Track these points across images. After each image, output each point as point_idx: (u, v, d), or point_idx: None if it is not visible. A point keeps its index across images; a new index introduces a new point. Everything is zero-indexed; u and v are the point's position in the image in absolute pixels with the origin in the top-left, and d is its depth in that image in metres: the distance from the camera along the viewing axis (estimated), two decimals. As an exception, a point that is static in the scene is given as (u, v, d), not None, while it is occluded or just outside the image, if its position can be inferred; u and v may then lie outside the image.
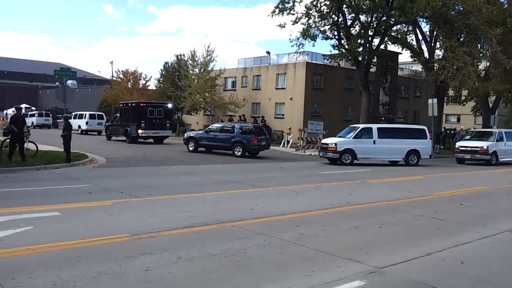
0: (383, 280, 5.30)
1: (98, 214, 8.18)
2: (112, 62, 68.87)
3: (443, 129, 41.35)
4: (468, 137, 27.50)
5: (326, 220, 8.34)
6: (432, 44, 36.21)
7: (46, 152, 17.75)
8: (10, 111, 38.00)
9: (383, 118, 42.38)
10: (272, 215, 8.62)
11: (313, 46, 49.38)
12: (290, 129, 33.13)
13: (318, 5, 31.11)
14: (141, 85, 53.85)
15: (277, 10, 31.79)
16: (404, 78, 48.73)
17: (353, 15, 32.38)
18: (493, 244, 7.20)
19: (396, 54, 43.62)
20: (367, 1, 31.49)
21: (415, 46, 37.10)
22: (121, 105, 32.23)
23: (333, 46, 33.34)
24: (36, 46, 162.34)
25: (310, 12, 31.45)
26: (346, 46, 31.66)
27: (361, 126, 22.83)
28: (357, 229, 7.85)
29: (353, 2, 31.62)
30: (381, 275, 5.43)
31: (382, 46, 34.53)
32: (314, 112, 39.10)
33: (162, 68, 50.14)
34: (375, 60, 36.34)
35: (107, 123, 35.60)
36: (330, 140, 22.40)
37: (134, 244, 6.27)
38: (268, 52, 45.09)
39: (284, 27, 32.34)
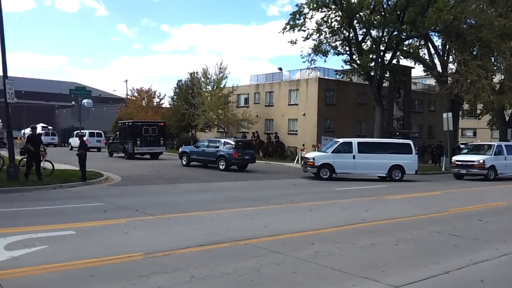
0: (400, 300, 5.19)
1: (113, 233, 8.20)
2: (126, 81, 70.14)
3: (458, 144, 40.83)
4: (465, 150, 26.13)
5: (341, 238, 8.23)
6: (445, 58, 36.01)
7: (62, 171, 17.97)
8: (27, 131, 38.88)
9: (397, 133, 42.06)
10: (286, 232, 8.54)
11: (325, 61, 49.55)
12: (303, 145, 33.04)
13: (329, 21, 31.29)
14: (155, 103, 54.40)
15: (288, 27, 32.01)
16: (418, 93, 48.43)
17: (364, 30, 32.47)
18: (513, 261, 7.02)
19: (409, 68, 43.47)
20: (378, 16, 31.60)
21: (427, 60, 36.95)
22: (119, 124, 34.30)
23: (345, 61, 33.40)
24: (53, 66, 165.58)
25: (321, 28, 31.61)
26: (358, 61, 31.67)
27: (341, 140, 22.42)
28: (373, 246, 7.72)
29: (364, 18, 31.74)
30: (398, 294, 5.32)
31: (394, 61, 34.44)
32: (327, 128, 39.00)
33: (176, 86, 50.63)
34: (387, 75, 36.25)
35: (109, 141, 37.59)
36: (310, 155, 22.55)
37: (147, 263, 6.26)
38: (280, 69, 45.35)
39: (295, 43, 32.58)
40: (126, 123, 32.68)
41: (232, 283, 5.54)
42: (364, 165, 21.07)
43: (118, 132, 33.85)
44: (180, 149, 27.91)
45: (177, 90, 49.86)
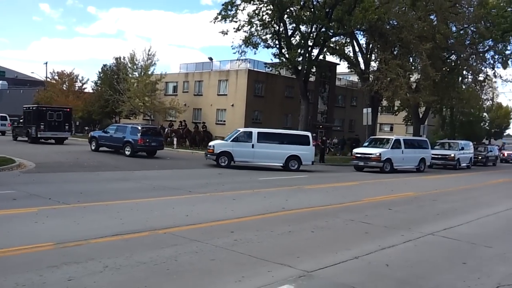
0: (312, 284, 5.42)
1: (21, 222, 7.71)
2: (46, 63, 65.79)
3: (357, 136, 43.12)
4: (366, 143, 27.16)
5: (261, 226, 8.40)
6: (368, 56, 37.77)
7: (-33, 156, 16.55)
8: None
9: (321, 126, 43.60)
10: (207, 221, 8.55)
11: (255, 54, 50.36)
12: (231, 135, 33.10)
13: (260, 14, 31.54)
14: (77, 88, 51.79)
15: (219, 17, 31.83)
16: (342, 88, 50.47)
17: (294, 25, 33.15)
18: (416, 247, 7.59)
19: (334, 64, 45.14)
20: (308, 13, 32.39)
21: (352, 58, 38.54)
22: (24, 108, 33.68)
23: (274, 54, 33.91)
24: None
25: (252, 20, 31.79)
26: (287, 55, 32.29)
27: (242, 129, 23.36)
28: (290, 234, 7.97)
29: (294, 13, 32.39)
30: (310, 279, 5.54)
31: (321, 57, 35.53)
32: (255, 119, 39.48)
33: (100, 70, 48.57)
34: (314, 70, 37.34)
35: (14, 125, 37.07)
36: (212, 143, 23.30)
37: (58, 253, 5.97)
38: (211, 58, 45.04)
39: (226, 34, 32.44)
40: (31, 108, 32.43)
41: (147, 272, 5.46)
42: (262, 154, 21.60)
43: (23, 116, 33.35)
44: (90, 134, 28.48)
45: (101, 75, 47.87)
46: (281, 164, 22.00)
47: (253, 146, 21.58)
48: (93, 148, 26.01)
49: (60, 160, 19.84)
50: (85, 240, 6.64)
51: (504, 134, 69.20)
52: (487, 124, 59.06)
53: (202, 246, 6.74)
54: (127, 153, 24.03)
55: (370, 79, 35.04)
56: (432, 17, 34.27)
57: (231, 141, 21.96)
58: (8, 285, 4.73)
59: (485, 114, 57.19)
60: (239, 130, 23.06)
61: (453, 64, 38.75)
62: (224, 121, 40.26)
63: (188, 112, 42.24)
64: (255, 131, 22.44)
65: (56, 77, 51.65)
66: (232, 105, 39.92)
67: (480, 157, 37.28)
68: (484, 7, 33.70)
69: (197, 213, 9.39)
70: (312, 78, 39.68)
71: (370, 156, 24.10)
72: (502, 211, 12.22)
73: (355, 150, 26.22)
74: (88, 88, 52.65)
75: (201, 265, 5.86)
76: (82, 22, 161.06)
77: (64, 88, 50.53)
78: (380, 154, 23.88)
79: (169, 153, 28.69)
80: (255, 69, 40.94)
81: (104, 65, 48.84)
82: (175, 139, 34.81)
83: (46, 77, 53.94)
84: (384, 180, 19.92)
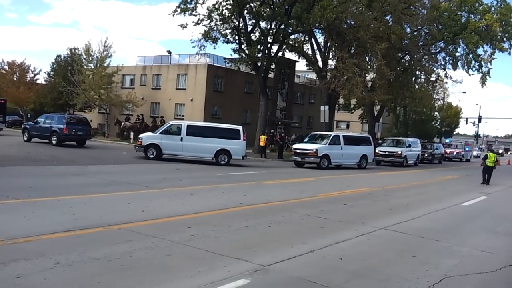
0: (267, 278, 5.48)
1: (-34, 218, 7.35)
2: (-5, 52, 62.68)
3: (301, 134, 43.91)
4: (306, 139, 27.13)
5: (219, 221, 8.40)
6: (326, 54, 38.44)
7: None
8: None
9: (280, 123, 43.99)
10: (164, 216, 8.46)
11: (214, 48, 50.00)
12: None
13: (220, 8, 31.35)
14: (28, 78, 49.71)
15: (178, 10, 31.38)
16: (300, 85, 51.14)
17: (254, 21, 33.20)
18: (369, 240, 7.83)
19: (293, 62, 45.60)
20: (268, 9, 32.52)
21: (310, 55, 39.09)
22: None
23: (234, 50, 33.83)
24: None
25: (212, 14, 31.56)
26: (246, 51, 32.32)
27: (172, 122, 23.70)
28: (247, 228, 8.03)
29: (254, 9, 32.43)
30: (266, 273, 5.61)
31: (280, 54, 35.82)
32: (215, 114, 39.34)
33: (54, 61, 46.82)
34: (273, 66, 37.58)
35: None
36: (141, 135, 23.54)
37: (6, 250, 5.74)
38: (169, 52, 44.42)
39: (185, 27, 32.04)
40: None
41: (100, 268, 5.35)
42: (191, 147, 21.58)
43: None
44: (23, 125, 29.59)
45: (55, 66, 46.16)
46: (211, 158, 21.95)
47: (181, 139, 21.55)
48: (25, 139, 26.55)
49: (9, 153, 19.00)
50: (35, 236, 6.42)
51: (454, 132, 72.25)
52: (438, 123, 61.49)
53: (158, 241, 6.67)
54: (54, 142, 24.87)
55: (327, 77, 35.70)
56: (387, 18, 35.26)
57: (160, 133, 22.06)
58: (-49, 284, 4.51)
59: (436, 113, 59.46)
60: (169, 123, 23.22)
61: (407, 64, 40.07)
62: (183, 115, 39.83)
63: (146, 106, 41.50)
64: (184, 124, 22.54)
65: (6, 67, 49.43)
66: (191, 100, 39.57)
67: (426, 155, 38.05)
68: (437, 10, 35.02)
69: (154, 208, 9.27)
70: (271, 75, 39.94)
71: (307, 152, 23.88)
72: (451, 206, 12.78)
73: (294, 146, 26.13)
74: (41, 79, 50.73)
75: (157, 261, 5.80)
76: (34, 10, 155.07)
77: (15, 79, 48.41)
78: (316, 150, 23.63)
79: (126, 147, 28.10)
80: (214, 64, 40.73)
81: (58, 56, 47.19)
82: (131, 133, 34.14)
83: (-5, 67, 51.40)
84: (340, 176, 20.39)
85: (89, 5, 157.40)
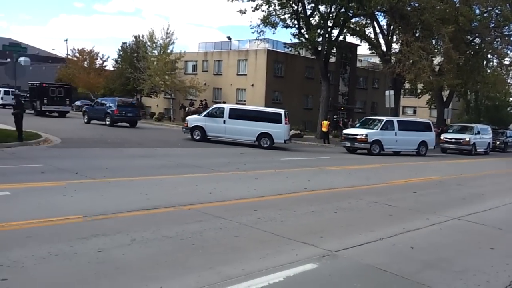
0: (336, 263, 5.43)
1: (51, 195, 7.89)
2: (67, 40, 66.55)
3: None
4: (358, 124, 26.30)
5: (284, 205, 8.42)
6: (389, 37, 37.00)
7: (-5, 131, 16.92)
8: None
9: (342, 108, 43.17)
10: (231, 199, 8.61)
11: (274, 33, 49.80)
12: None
13: (278, -7, 31.02)
14: (98, 65, 52.23)
15: (237, -4, 31.43)
16: (363, 70, 49.77)
17: (313, 5, 32.54)
18: (442, 230, 7.51)
19: (355, 46, 44.39)
20: (327, -8, 31.74)
21: (373, 39, 37.81)
22: (30, 84, 35.96)
23: (293, 35, 33.46)
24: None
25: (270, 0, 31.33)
26: (306, 36, 31.84)
27: (217, 105, 24.40)
28: (313, 214, 7.98)
29: (312, -8, 31.76)
30: (334, 259, 5.55)
31: (341, 37, 34.96)
32: (275, 100, 39.31)
33: (120, 48, 48.78)
34: (334, 50, 36.81)
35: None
36: (188, 117, 24.55)
37: (87, 226, 6.11)
38: (229, 38, 44.81)
39: (244, 13, 32.11)
40: (35, 84, 34.72)
41: (173, 246, 5.55)
42: (234, 130, 21.91)
43: (29, 92, 35.66)
44: (83, 108, 32.25)
45: (121, 53, 48.08)
46: (253, 141, 21.98)
47: (224, 122, 22.02)
48: (85, 121, 29.39)
49: (84, 136, 20.16)
50: (112, 214, 6.77)
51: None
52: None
53: (226, 223, 6.80)
54: (107, 123, 27.76)
55: (392, 61, 34.42)
56: (454, -1, 33.35)
57: (204, 116, 22.70)
58: (42, 254, 4.87)
59: (511, 99, 55.77)
60: (214, 107, 23.93)
61: (477, 47, 37.78)
62: (245, 101, 40.17)
63: (209, 91, 42.26)
64: (227, 107, 23.00)
65: (77, 54, 52.17)
66: (252, 85, 39.77)
67: (498, 143, 35.29)
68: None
69: (220, 191, 9.45)
70: (332, 59, 39.19)
71: (357, 137, 22.95)
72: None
73: (345, 131, 25.33)
74: (109, 66, 53.11)
75: (226, 241, 5.92)
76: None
77: (85, 66, 51.02)
78: (366, 136, 22.64)
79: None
80: (274, 49, 40.56)
81: (124, 43, 49.06)
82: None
83: (67, 54, 54.53)
84: (408, 163, 19.71)
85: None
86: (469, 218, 8.48)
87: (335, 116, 36.75)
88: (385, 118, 24.75)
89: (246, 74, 40.81)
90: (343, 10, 31.62)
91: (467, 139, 29.13)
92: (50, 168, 10.65)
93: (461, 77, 33.49)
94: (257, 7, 31.55)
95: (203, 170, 12.36)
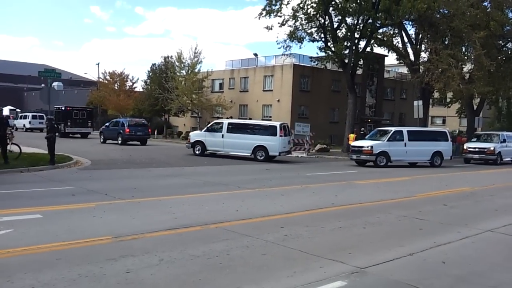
0: (365, 280, 5.33)
1: (81, 217, 8.09)
2: (98, 64, 68.29)
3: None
4: (368, 136, 25.60)
5: (311, 221, 8.35)
6: (418, 46, 36.53)
7: (29, 155, 17.53)
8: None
9: (369, 120, 42.69)
10: (257, 216, 8.61)
11: (300, 48, 50.24)
12: (277, 131, 33.11)
13: (305, 7, 31.23)
14: (127, 87, 53.52)
15: (264, 12, 31.84)
16: (390, 81, 49.18)
17: (340, 17, 32.57)
18: (474, 244, 7.28)
19: (382, 56, 43.99)
20: (354, 4, 31.73)
21: (400, 49, 37.41)
22: (55, 108, 37.75)
23: (320, 48, 33.48)
24: (22, 47, 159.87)
25: (297, 14, 31.55)
26: (333, 49, 31.81)
27: (216, 121, 25.36)
28: (341, 229, 7.88)
29: (339, 5, 31.81)
30: (363, 275, 5.46)
31: (368, 49, 34.75)
32: (301, 114, 39.26)
33: (149, 69, 49.91)
34: (361, 62, 36.61)
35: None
36: (190, 133, 26.34)
37: (115, 246, 6.22)
38: (256, 54, 45.22)
39: (271, 29, 32.44)
40: (60, 108, 36.99)
41: (201, 266, 5.58)
42: (231, 144, 22.66)
43: (54, 115, 37.28)
44: (100, 129, 34.11)
45: (150, 74, 49.17)
46: (249, 154, 22.39)
47: (222, 136, 22.80)
48: (101, 140, 31.61)
49: (114, 157, 20.62)
50: (140, 234, 6.87)
51: None
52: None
53: (253, 241, 6.80)
54: (119, 141, 29.89)
55: (420, 70, 33.93)
56: (485, 3, 32.67)
57: (204, 131, 23.85)
58: (72, 276, 4.98)
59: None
60: (213, 122, 25.04)
61: (509, 52, 36.73)
62: (270, 116, 40.29)
63: (235, 108, 42.63)
64: (225, 122, 24.01)
65: (108, 77, 53.58)
66: (278, 101, 39.89)
67: None
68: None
69: (247, 208, 9.47)
70: (359, 71, 38.95)
71: (362, 149, 22.39)
72: None
73: (352, 143, 24.63)
74: (138, 87, 54.33)
75: (253, 260, 5.91)
76: (130, 22, 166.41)
77: (116, 88, 52.36)
78: (372, 147, 22.01)
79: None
80: (300, 64, 40.66)
81: (153, 64, 50.13)
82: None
83: (99, 77, 56.15)
84: (437, 175, 19.26)
85: (179, 14, 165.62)
86: (502, 230, 8.20)
87: (362, 129, 36.37)
88: (393, 129, 23.98)
89: (272, 90, 41.01)
90: (370, 21, 31.52)
91: (492, 148, 27.18)
92: (81, 190, 10.94)
93: (493, 84, 32.57)
94: (284, 22, 31.85)
95: (229, 188, 12.43)
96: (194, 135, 24.42)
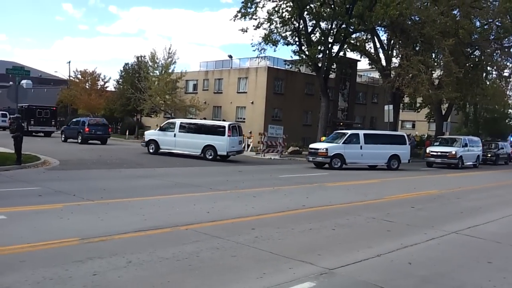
0: (333, 281, 5.40)
1: (47, 218, 7.90)
2: (69, 62, 67.30)
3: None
4: (326, 139, 25.59)
5: (282, 223, 8.40)
6: (389, 52, 37.31)
7: (-5, 154, 16.97)
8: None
9: (341, 124, 43.26)
10: (228, 218, 8.60)
11: (275, 51, 50.27)
12: (250, 133, 33.24)
13: (280, 11, 31.45)
14: (99, 86, 52.62)
15: (239, 15, 31.87)
16: (362, 85, 49.98)
17: (314, 22, 32.95)
18: (440, 245, 7.48)
19: (355, 61, 44.68)
20: (328, 9, 32.15)
21: (373, 54, 38.13)
22: (19, 107, 36.74)
23: (294, 51, 33.78)
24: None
25: (272, 17, 31.73)
26: (307, 52, 32.12)
27: (169, 120, 26.08)
28: (311, 231, 7.95)
29: (314, 9, 32.19)
30: (332, 276, 5.53)
31: (341, 53, 35.26)
32: (275, 117, 39.43)
33: (122, 69, 49.17)
34: (334, 66, 37.06)
35: (11, 121, 41.72)
36: (146, 132, 27.03)
37: (83, 248, 6.09)
38: (230, 56, 45.16)
39: (246, 31, 32.54)
40: (23, 106, 35.92)
41: (170, 268, 5.53)
42: (183, 143, 23.31)
43: (18, 114, 36.33)
44: (61, 128, 34.43)
45: (123, 74, 48.43)
46: (199, 153, 22.98)
47: (175, 135, 23.47)
48: (62, 139, 31.94)
49: (83, 157, 20.21)
50: (109, 236, 6.76)
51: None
52: (512, 120, 57.63)
53: (223, 242, 6.78)
54: (79, 141, 30.15)
55: (391, 75, 34.62)
56: (455, 12, 33.63)
57: (158, 130, 24.58)
58: (36, 279, 4.85)
59: (510, 110, 55.84)
60: (168, 121, 25.70)
61: (477, 60, 37.99)
62: (244, 118, 40.31)
63: (208, 110, 42.46)
64: (178, 121, 24.69)
65: (79, 76, 52.61)
66: (252, 103, 39.95)
67: (490, 155, 33.63)
68: (510, 1, 32.85)
69: (218, 210, 9.45)
70: (332, 75, 39.41)
71: (318, 151, 22.55)
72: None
73: (310, 145, 24.47)
74: (110, 86, 53.51)
75: (223, 262, 5.90)
76: (103, 21, 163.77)
77: (87, 87, 51.43)
78: (326, 150, 22.16)
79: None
80: (274, 66, 40.86)
81: (126, 64, 49.43)
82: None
83: (70, 76, 54.99)
84: (405, 178, 19.68)
85: (154, 14, 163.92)
86: (467, 232, 8.45)
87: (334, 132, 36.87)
88: (349, 132, 24.06)
89: (246, 92, 41.05)
90: (344, 26, 31.95)
91: (453, 152, 27.39)
92: (48, 191, 10.67)
93: (460, 90, 33.59)
94: (259, 25, 31.96)
95: (201, 189, 12.36)
96: (149, 134, 25.13)
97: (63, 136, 32.32)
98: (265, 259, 6.11)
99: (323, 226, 8.40)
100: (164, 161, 21.02)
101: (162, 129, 24.37)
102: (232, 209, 9.72)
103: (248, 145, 32.04)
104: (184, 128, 23.74)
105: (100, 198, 9.99)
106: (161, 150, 23.75)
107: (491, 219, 10.00)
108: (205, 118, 39.28)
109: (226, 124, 23.78)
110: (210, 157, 22.66)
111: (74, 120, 34.01)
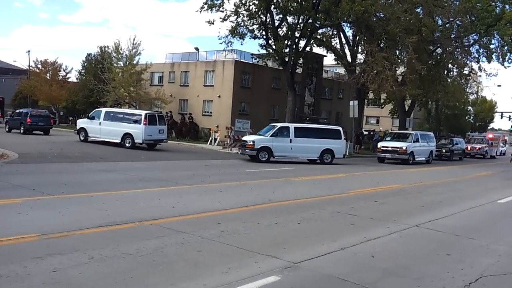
0: (298, 275, 5.45)
1: (4, 213, 7.59)
2: (29, 52, 64.81)
3: (361, 131, 43.43)
4: (261, 132, 24.81)
5: (248, 217, 8.41)
6: (354, 48, 37.83)
7: None
8: None
9: (307, 119, 43.69)
10: (194, 212, 8.53)
11: (242, 44, 50.14)
12: (217, 126, 33.07)
13: (247, 4, 31.25)
14: (61, 77, 51.05)
15: (205, 6, 31.50)
16: (329, 80, 50.56)
17: (281, 16, 32.93)
18: (402, 238, 7.68)
19: (321, 56, 45.11)
20: (295, 3, 32.24)
21: (338, 50, 38.58)
22: None
23: (261, 45, 33.68)
24: None
25: (239, 10, 31.50)
26: (274, 46, 32.13)
27: (97, 110, 27.59)
28: (277, 225, 8.00)
29: (281, 3, 32.19)
30: (296, 270, 5.57)
31: (308, 48, 35.44)
32: (242, 111, 39.36)
33: (84, 59, 47.94)
34: (301, 61, 37.26)
35: None
36: (78, 120, 28.56)
37: (42, 244, 5.90)
38: (197, 48, 44.64)
39: (213, 23, 32.19)
40: None
41: (133, 263, 5.43)
42: (107, 131, 24.64)
43: None
44: (6, 119, 35.47)
45: (85, 64, 47.23)
46: (118, 141, 24.15)
47: (100, 123, 25.03)
48: (6, 130, 32.87)
49: (44, 150, 19.56)
50: (70, 231, 6.57)
51: (488, 127, 70.22)
52: (471, 117, 59.81)
53: (188, 237, 6.72)
54: (21, 131, 31.13)
55: (356, 71, 35.16)
56: (418, 10, 34.42)
57: (86, 119, 26.22)
58: (-9, 277, 4.66)
59: (470, 107, 57.93)
60: (95, 110, 27.37)
61: (438, 57, 39.07)
62: (211, 112, 40.05)
63: (174, 103, 41.91)
64: (103, 110, 26.33)
65: (40, 66, 50.91)
66: (219, 96, 39.72)
67: (444, 151, 33.81)
68: (469, 1, 33.97)
69: (184, 204, 9.36)
70: (299, 70, 39.61)
71: (246, 143, 22.48)
72: (486, 204, 12.41)
73: (243, 138, 24.65)
74: (72, 77, 52.02)
75: (188, 257, 5.85)
76: (65, 9, 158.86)
77: (48, 77, 49.81)
78: (253, 142, 21.97)
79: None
80: (242, 60, 40.71)
81: (88, 54, 48.26)
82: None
83: (29, 66, 53.09)
84: (370, 173, 20.10)
85: (118, 3, 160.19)
86: (427, 226, 8.71)
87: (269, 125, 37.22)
88: (278, 125, 23.85)
89: (213, 85, 40.74)
90: (310, 21, 32.11)
91: (404, 147, 26.99)
92: (6, 185, 10.27)
93: (423, 87, 34.51)
94: (226, 17, 31.66)
95: (167, 184, 12.20)
96: (80, 122, 26.60)
97: (7, 126, 33.37)
98: (231, 253, 6.10)
99: (289, 220, 8.46)
100: (127, 154, 20.63)
101: (90, 117, 25.76)
102: (198, 203, 9.65)
103: (215, 139, 31.89)
104: (108, 116, 25.00)
105: (61, 192, 9.68)
106: (89, 138, 25.19)
107: (451, 213, 10.34)
108: (170, 112, 38.81)
109: (143, 112, 25.00)
110: (129, 145, 23.80)
111: (17, 111, 34.74)
